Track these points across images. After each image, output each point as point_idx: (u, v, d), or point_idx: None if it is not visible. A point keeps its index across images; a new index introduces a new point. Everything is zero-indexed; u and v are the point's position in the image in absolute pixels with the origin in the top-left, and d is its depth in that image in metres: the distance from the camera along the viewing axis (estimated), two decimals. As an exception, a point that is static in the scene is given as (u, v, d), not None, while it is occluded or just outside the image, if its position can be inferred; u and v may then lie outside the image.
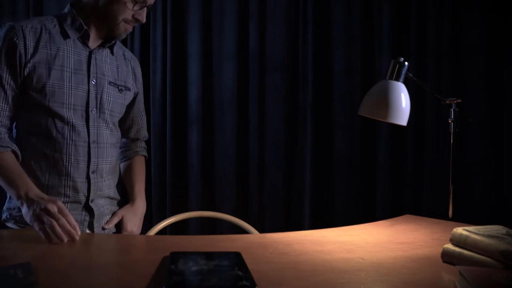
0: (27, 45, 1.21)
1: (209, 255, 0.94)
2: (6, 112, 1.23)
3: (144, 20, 1.31)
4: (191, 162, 2.34)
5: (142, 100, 1.55)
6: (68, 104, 1.26)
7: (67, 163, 1.27)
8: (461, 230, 0.95)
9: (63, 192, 1.27)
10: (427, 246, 1.07)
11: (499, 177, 2.07)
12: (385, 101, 1.30)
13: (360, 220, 1.40)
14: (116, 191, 1.46)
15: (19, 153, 1.24)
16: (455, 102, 1.39)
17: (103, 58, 1.35)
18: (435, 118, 2.11)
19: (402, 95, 1.31)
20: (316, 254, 1.00)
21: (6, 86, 1.21)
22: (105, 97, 1.33)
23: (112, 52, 1.38)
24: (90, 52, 1.31)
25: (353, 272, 0.88)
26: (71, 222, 1.03)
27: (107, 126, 1.36)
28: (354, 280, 0.84)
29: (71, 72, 1.26)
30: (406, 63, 1.33)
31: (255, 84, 2.26)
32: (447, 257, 0.94)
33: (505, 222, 1.11)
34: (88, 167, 1.30)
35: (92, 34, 1.32)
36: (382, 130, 2.16)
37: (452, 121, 1.39)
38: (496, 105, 2.07)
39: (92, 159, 1.31)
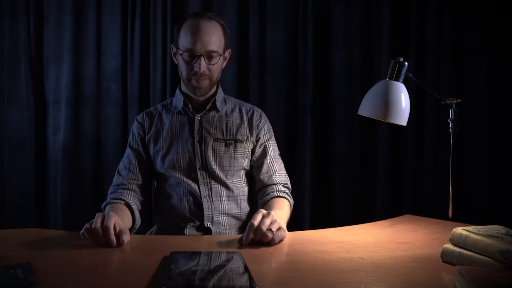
0: (145, 126, 1.49)
1: (209, 255, 0.94)
2: (134, 181, 1.44)
3: (201, 69, 1.36)
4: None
5: (273, 147, 1.52)
6: (179, 166, 1.43)
7: (184, 216, 1.43)
8: (461, 230, 0.95)
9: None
10: (427, 246, 1.07)
11: (499, 177, 2.07)
12: (385, 101, 1.30)
13: (360, 220, 1.40)
14: None
15: (133, 206, 1.36)
16: (455, 102, 1.39)
17: (210, 119, 1.46)
18: (435, 118, 2.11)
19: (402, 95, 1.31)
20: (316, 254, 1.00)
21: (133, 159, 1.46)
22: (210, 153, 1.43)
23: (220, 111, 1.47)
24: (193, 118, 1.44)
25: (353, 272, 0.88)
26: (107, 237, 1.03)
27: (219, 181, 1.44)
28: (354, 280, 0.84)
29: (178, 140, 1.44)
30: (406, 63, 1.33)
31: (255, 84, 2.26)
32: (447, 257, 0.95)
33: (505, 222, 1.11)
34: (202, 220, 1.42)
35: (193, 102, 1.46)
36: (382, 130, 2.16)
37: (451, 121, 1.39)
38: (496, 105, 2.07)
39: (206, 213, 1.41)
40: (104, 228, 1.03)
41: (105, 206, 1.36)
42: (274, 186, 1.46)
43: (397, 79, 1.32)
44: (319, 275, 0.87)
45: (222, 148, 1.44)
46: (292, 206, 1.47)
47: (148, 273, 0.85)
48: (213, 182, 1.43)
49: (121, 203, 1.35)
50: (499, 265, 0.85)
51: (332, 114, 2.22)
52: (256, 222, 1.06)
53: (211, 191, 1.43)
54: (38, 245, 1.05)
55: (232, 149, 1.45)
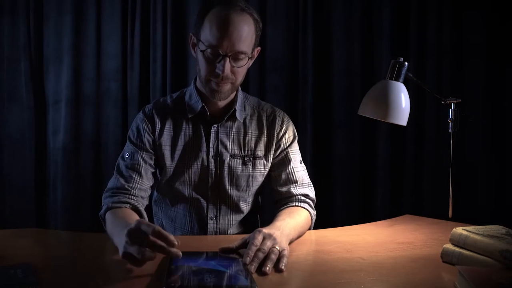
0: (156, 125, 1.26)
1: (209, 255, 0.94)
2: (138, 184, 1.21)
3: (224, 72, 1.15)
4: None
5: (293, 154, 1.34)
6: (190, 182, 1.27)
7: (185, 232, 1.31)
8: (461, 230, 0.95)
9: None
10: (427, 246, 1.07)
11: (499, 177, 2.07)
12: (385, 101, 1.30)
13: (360, 220, 1.40)
14: None
15: (141, 209, 1.17)
16: (455, 102, 1.40)
17: (227, 130, 1.29)
18: (435, 118, 2.11)
19: (402, 95, 1.31)
20: (316, 254, 1.00)
21: (138, 157, 1.24)
22: (225, 172, 1.28)
23: (238, 119, 1.29)
24: (210, 128, 1.27)
25: (353, 272, 0.88)
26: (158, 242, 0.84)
27: (230, 203, 1.30)
28: (354, 280, 0.84)
29: (191, 152, 1.27)
30: (406, 63, 1.33)
31: (255, 84, 2.25)
32: (447, 257, 0.95)
33: (505, 222, 1.11)
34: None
35: (211, 106, 1.27)
36: (382, 130, 2.16)
37: (451, 121, 1.40)
38: (496, 105, 2.07)
39: (209, 235, 1.28)
40: (156, 234, 0.82)
41: (105, 213, 1.14)
42: (293, 198, 1.29)
43: (397, 79, 1.32)
44: (319, 275, 0.87)
45: (239, 167, 1.28)
46: (313, 218, 1.30)
47: (148, 273, 0.85)
48: (223, 204, 1.30)
49: (127, 207, 1.15)
50: (499, 265, 0.85)
51: (332, 114, 2.22)
52: (254, 247, 0.92)
53: (219, 213, 1.30)
54: (38, 245, 1.05)
55: (251, 166, 1.29)
